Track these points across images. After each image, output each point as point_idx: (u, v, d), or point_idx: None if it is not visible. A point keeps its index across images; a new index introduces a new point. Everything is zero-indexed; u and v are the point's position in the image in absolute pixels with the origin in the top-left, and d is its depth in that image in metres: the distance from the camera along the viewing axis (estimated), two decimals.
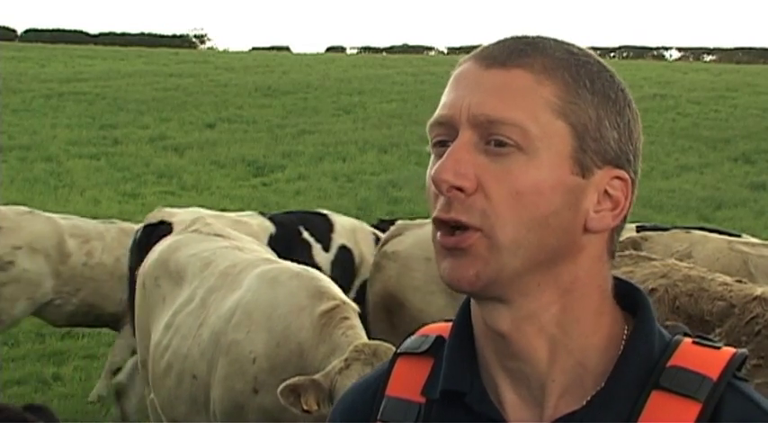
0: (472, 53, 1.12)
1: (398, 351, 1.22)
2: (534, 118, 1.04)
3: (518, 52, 1.07)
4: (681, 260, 5.68)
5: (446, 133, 1.08)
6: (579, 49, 1.11)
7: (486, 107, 1.04)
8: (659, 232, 6.41)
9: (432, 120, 1.10)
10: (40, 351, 8.00)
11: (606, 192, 1.08)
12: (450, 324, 1.19)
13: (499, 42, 1.11)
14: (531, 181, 1.03)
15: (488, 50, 1.10)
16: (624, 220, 1.12)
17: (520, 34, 1.12)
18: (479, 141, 1.05)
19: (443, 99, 1.10)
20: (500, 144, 1.04)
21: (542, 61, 1.07)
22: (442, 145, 1.08)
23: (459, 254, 1.05)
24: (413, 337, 1.22)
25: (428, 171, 1.09)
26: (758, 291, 3.62)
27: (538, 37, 1.10)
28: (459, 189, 1.04)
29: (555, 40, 1.10)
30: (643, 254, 4.46)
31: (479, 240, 1.04)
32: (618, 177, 1.08)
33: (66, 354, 7.95)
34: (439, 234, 1.07)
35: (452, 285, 1.07)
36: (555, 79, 1.06)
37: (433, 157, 1.09)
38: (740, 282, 3.85)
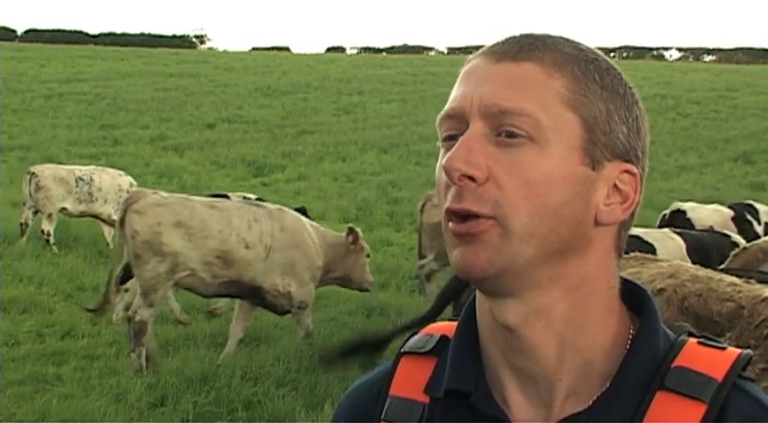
0: (481, 50, 1.12)
1: (402, 350, 1.21)
2: (545, 109, 1.04)
3: (528, 47, 1.08)
4: None
5: (456, 127, 1.07)
6: (587, 47, 1.11)
7: (498, 98, 1.04)
8: None
9: (442, 113, 1.09)
10: (40, 351, 7.97)
11: (616, 186, 1.08)
12: (455, 324, 1.19)
13: (508, 39, 1.12)
14: (542, 171, 1.03)
15: (497, 46, 1.10)
16: (633, 216, 1.12)
17: (527, 32, 1.13)
18: (490, 133, 1.05)
19: (453, 93, 1.09)
20: (511, 135, 1.04)
21: (552, 56, 1.07)
22: (452, 139, 1.07)
23: (471, 240, 1.04)
24: (417, 337, 1.21)
25: (438, 163, 1.09)
26: (767, 292, 3.59)
27: (546, 34, 1.11)
28: (471, 178, 1.04)
29: (563, 38, 1.11)
30: (649, 255, 4.43)
31: (492, 228, 1.03)
32: (627, 171, 1.08)
33: (66, 354, 7.91)
34: (450, 223, 1.07)
35: (464, 273, 1.06)
36: (565, 73, 1.06)
37: (442, 151, 1.09)
38: (748, 282, 3.82)
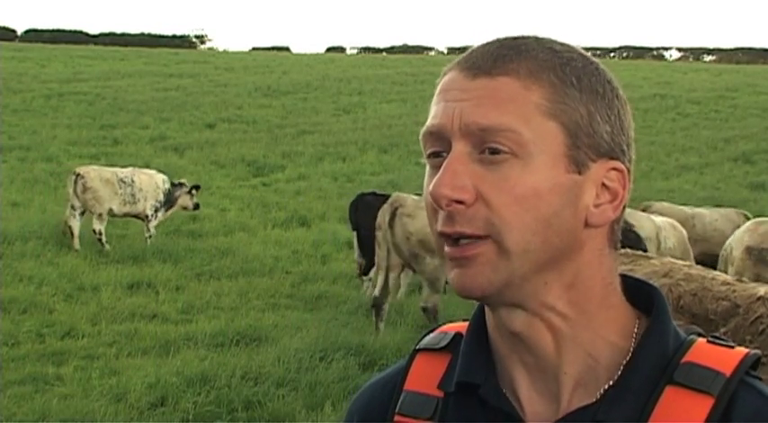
0: (455, 61, 1.12)
1: (417, 347, 1.22)
2: (525, 122, 1.05)
3: (502, 59, 1.08)
4: None
5: (439, 144, 1.08)
6: (562, 45, 1.11)
7: (477, 115, 1.05)
8: None
9: (423, 130, 1.10)
10: (40, 351, 7.97)
11: (604, 184, 1.08)
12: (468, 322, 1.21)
13: (482, 48, 1.11)
14: (528, 185, 1.04)
15: (472, 59, 1.10)
16: (623, 211, 1.13)
17: (502, 37, 1.13)
18: (473, 151, 1.05)
19: (433, 109, 1.10)
20: (494, 152, 1.05)
21: (527, 65, 1.07)
22: (436, 156, 1.09)
23: (467, 263, 1.06)
24: (432, 334, 1.23)
25: (425, 184, 1.09)
26: (761, 291, 3.65)
27: (520, 38, 1.11)
28: (459, 202, 1.05)
29: (536, 40, 1.10)
30: (639, 252, 4.45)
31: (488, 248, 1.05)
32: (614, 169, 1.09)
33: (66, 354, 7.92)
34: (446, 247, 1.07)
35: (463, 294, 1.07)
36: (541, 82, 1.06)
37: (428, 168, 1.10)
38: (740, 281, 3.86)
